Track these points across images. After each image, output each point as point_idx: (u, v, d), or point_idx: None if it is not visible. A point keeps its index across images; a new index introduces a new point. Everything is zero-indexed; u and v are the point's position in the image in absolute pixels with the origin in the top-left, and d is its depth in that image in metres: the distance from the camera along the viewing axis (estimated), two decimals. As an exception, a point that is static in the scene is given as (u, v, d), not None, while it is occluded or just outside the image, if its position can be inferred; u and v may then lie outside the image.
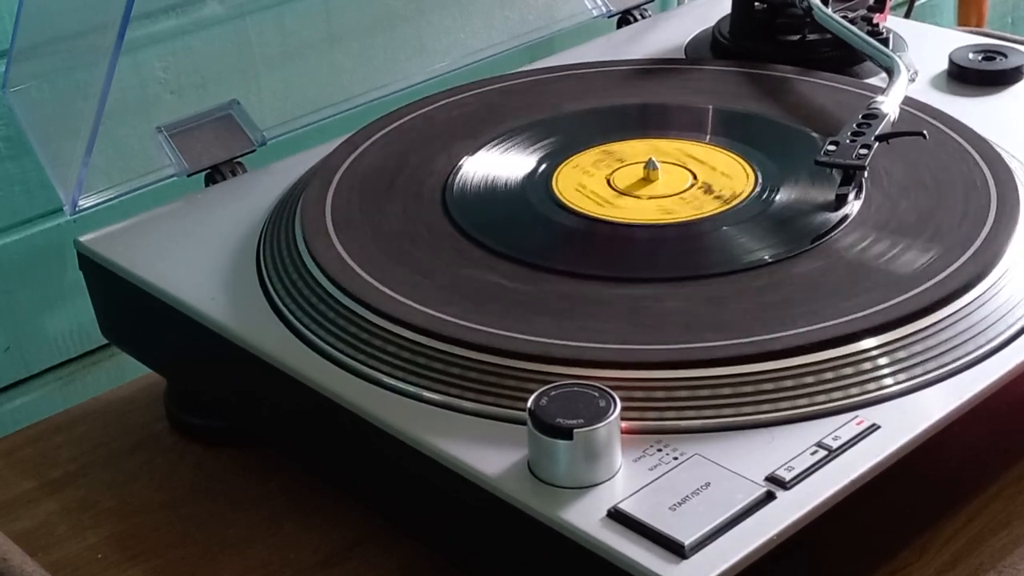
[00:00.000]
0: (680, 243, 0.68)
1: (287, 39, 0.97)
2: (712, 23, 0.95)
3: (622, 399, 0.54)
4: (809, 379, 0.58)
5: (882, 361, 0.59)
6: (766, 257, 0.66)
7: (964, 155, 0.73)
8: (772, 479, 0.54)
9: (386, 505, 0.63)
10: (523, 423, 0.55)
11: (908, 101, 0.78)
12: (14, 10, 0.83)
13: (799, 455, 0.55)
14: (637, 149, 0.77)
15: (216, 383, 0.71)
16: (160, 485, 0.72)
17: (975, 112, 0.80)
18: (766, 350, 0.58)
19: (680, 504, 0.53)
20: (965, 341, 0.60)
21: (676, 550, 0.51)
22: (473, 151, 0.78)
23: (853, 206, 0.69)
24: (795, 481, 0.54)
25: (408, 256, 0.68)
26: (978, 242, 0.65)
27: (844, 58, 0.87)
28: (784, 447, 0.55)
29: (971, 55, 0.86)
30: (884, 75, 0.81)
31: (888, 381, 0.58)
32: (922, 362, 0.59)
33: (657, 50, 0.94)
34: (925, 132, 0.73)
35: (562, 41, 1.04)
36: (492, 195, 0.74)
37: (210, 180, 0.82)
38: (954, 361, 0.59)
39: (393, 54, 0.99)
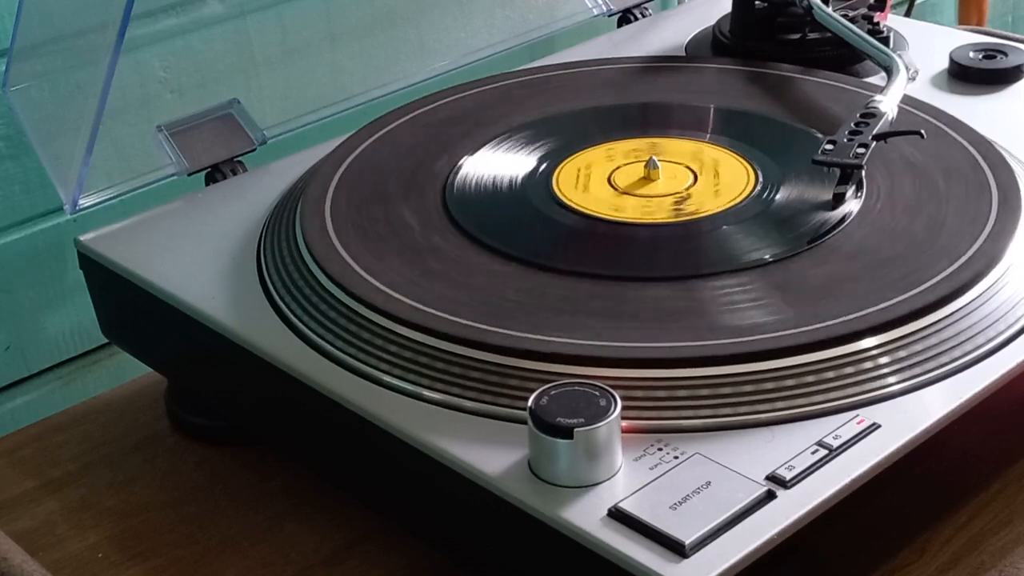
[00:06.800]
0: (680, 242, 0.68)
1: (287, 38, 0.97)
2: (712, 22, 0.95)
3: (623, 398, 0.54)
4: (809, 378, 0.58)
5: (883, 360, 0.59)
6: (766, 256, 0.66)
7: (964, 154, 0.73)
8: (773, 478, 0.54)
9: (387, 504, 0.63)
10: (524, 422, 0.55)
11: (908, 100, 0.78)
12: (14, 9, 0.83)
13: (800, 454, 0.55)
14: (638, 148, 0.77)
15: (216, 382, 0.71)
16: (161, 484, 0.72)
17: (976, 111, 0.80)
18: (766, 349, 0.58)
19: (681, 503, 0.53)
20: (965, 340, 0.60)
21: (677, 549, 0.51)
22: (473, 150, 0.78)
23: (853, 205, 0.69)
24: (796, 480, 0.54)
25: (408, 255, 0.68)
26: (979, 241, 0.65)
27: (845, 57, 0.87)
28: (785, 446, 0.55)
29: (972, 54, 0.86)
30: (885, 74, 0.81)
31: (888, 380, 0.58)
32: (922, 361, 0.59)
33: (658, 49, 0.94)
34: (922, 131, 0.73)
35: (562, 40, 1.04)
36: (492, 194, 0.74)
37: (210, 179, 0.82)
38: (954, 360, 0.59)
39: (393, 53, 0.99)
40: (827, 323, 0.60)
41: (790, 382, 0.58)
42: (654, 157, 0.74)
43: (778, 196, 0.71)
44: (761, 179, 0.72)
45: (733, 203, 0.70)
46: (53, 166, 0.81)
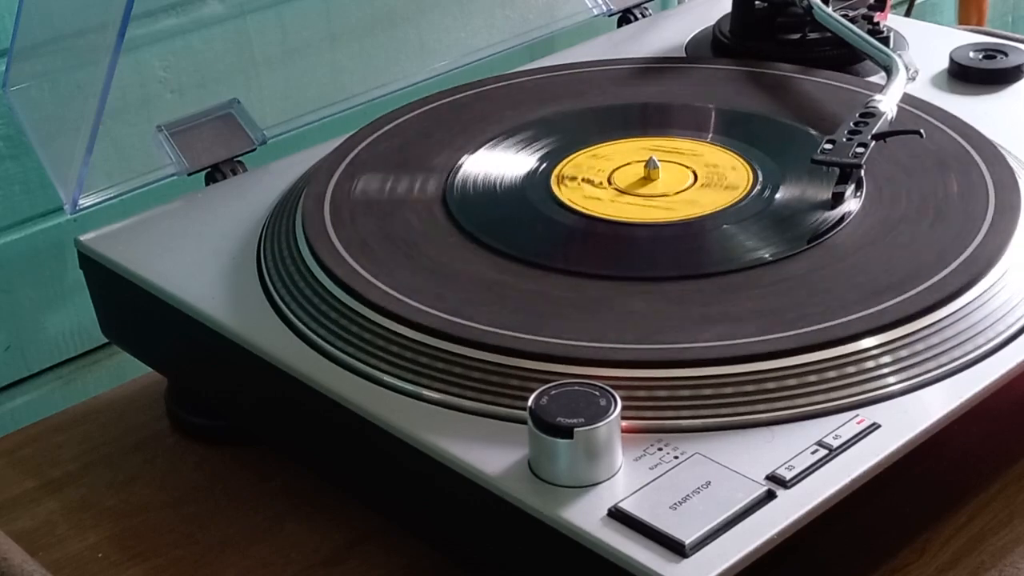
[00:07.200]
0: (680, 242, 0.68)
1: (287, 38, 0.97)
2: (712, 22, 0.95)
3: (622, 398, 0.54)
4: (810, 378, 0.58)
5: (883, 360, 0.59)
6: (766, 256, 0.66)
7: (964, 154, 0.73)
8: (773, 478, 0.54)
9: (387, 504, 0.63)
10: (524, 422, 0.55)
11: (908, 99, 0.78)
12: (14, 9, 0.83)
13: (799, 454, 0.55)
14: (638, 148, 0.77)
15: (217, 382, 0.71)
16: (161, 484, 0.72)
17: (976, 111, 0.80)
18: (767, 349, 0.58)
19: (681, 503, 0.53)
20: (965, 340, 0.60)
21: (677, 549, 0.51)
22: (473, 150, 0.78)
23: (853, 204, 0.69)
24: (796, 480, 0.54)
25: (409, 255, 0.68)
26: (978, 241, 0.65)
27: (845, 57, 0.87)
28: (784, 446, 0.55)
29: (972, 54, 0.86)
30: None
31: (888, 380, 0.58)
32: (922, 361, 0.59)
33: (658, 49, 0.94)
34: (922, 131, 0.73)
35: (562, 40, 1.04)
36: (493, 194, 0.74)
37: (210, 179, 0.82)
38: (954, 360, 0.59)
39: (393, 53, 0.99)
40: (827, 323, 0.60)
41: (790, 382, 0.58)
42: (654, 157, 0.74)
43: (778, 196, 0.71)
44: (761, 179, 0.72)
45: (733, 203, 0.70)
46: (53, 166, 0.81)
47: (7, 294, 0.95)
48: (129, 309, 0.75)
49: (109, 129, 0.82)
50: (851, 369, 0.58)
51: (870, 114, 0.74)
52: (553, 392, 0.55)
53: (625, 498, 0.53)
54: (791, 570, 0.53)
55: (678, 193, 0.72)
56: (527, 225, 0.71)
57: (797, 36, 0.89)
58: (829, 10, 0.86)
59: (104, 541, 0.69)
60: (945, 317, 0.61)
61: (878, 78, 0.84)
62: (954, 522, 0.63)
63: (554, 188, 0.73)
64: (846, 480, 0.54)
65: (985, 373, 0.59)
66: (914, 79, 0.84)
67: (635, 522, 0.52)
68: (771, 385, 0.58)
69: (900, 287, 0.62)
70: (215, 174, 0.82)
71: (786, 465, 0.54)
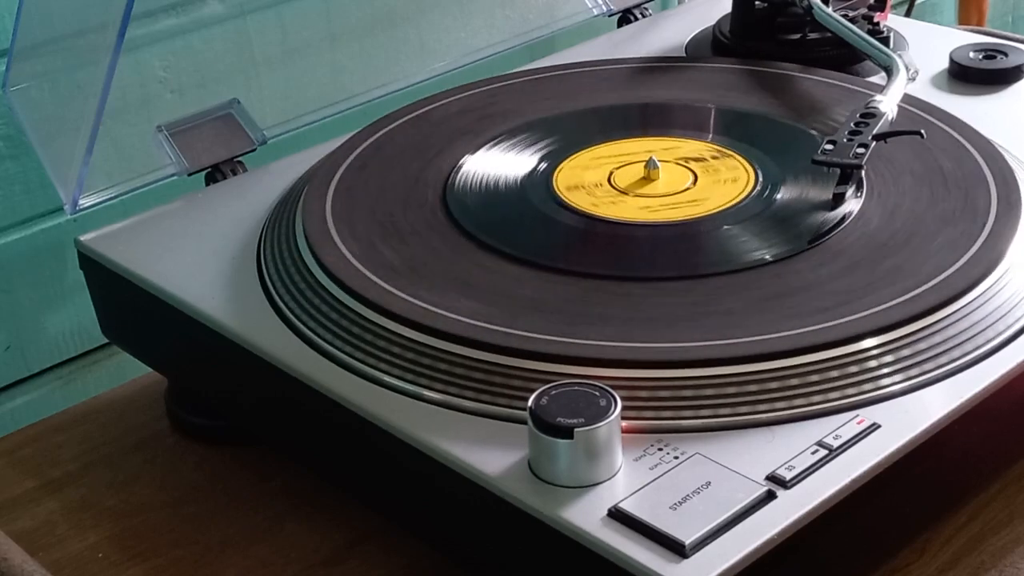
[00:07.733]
0: (681, 242, 0.68)
1: (287, 38, 0.97)
2: (713, 22, 0.95)
3: (623, 398, 0.54)
4: (810, 378, 0.58)
5: (883, 360, 0.59)
6: (767, 256, 0.66)
7: (965, 154, 0.73)
8: (773, 478, 0.54)
9: (387, 504, 0.63)
10: (524, 422, 0.55)
11: (908, 100, 0.78)
12: (14, 10, 0.83)
13: (800, 454, 0.55)
14: (638, 148, 0.77)
15: (217, 382, 0.71)
16: (161, 484, 0.72)
17: (976, 111, 0.80)
18: (767, 349, 0.58)
19: (681, 503, 0.53)
20: (966, 340, 0.60)
21: (677, 549, 0.51)
22: (474, 150, 0.78)
23: (853, 205, 0.69)
24: (796, 480, 0.54)
25: (409, 255, 0.68)
26: (979, 241, 0.65)
27: (845, 56, 0.87)
28: (785, 446, 0.55)
29: (972, 54, 0.86)
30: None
31: (889, 380, 0.58)
32: (923, 361, 0.59)
33: (658, 49, 0.94)
34: (922, 131, 0.73)
35: (562, 40, 1.04)
36: (493, 194, 0.74)
37: (210, 179, 0.82)
38: (954, 360, 0.59)
39: (393, 53, 0.99)
40: (828, 323, 0.60)
41: (791, 382, 0.58)
42: (654, 157, 0.74)
43: (778, 196, 0.71)
44: (761, 179, 0.72)
45: (733, 203, 0.70)
46: (53, 166, 0.81)
47: (7, 294, 0.95)
48: (129, 309, 0.75)
49: (109, 129, 0.82)
50: (852, 369, 0.58)
51: (870, 114, 0.74)
52: (553, 392, 0.55)
53: (625, 498, 0.53)
54: (791, 570, 0.53)
55: (678, 193, 0.72)
56: (527, 225, 0.71)
57: (797, 36, 0.89)
58: (829, 10, 0.86)
59: (104, 541, 0.69)
60: (945, 317, 0.61)
61: (878, 78, 0.84)
62: (954, 522, 0.63)
63: (555, 187, 0.73)
64: (846, 480, 0.54)
65: (985, 373, 0.59)
66: (914, 79, 0.84)
67: (635, 522, 0.52)
68: (772, 385, 0.58)
69: (901, 287, 0.62)
70: (215, 174, 0.82)
71: (786, 465, 0.54)
